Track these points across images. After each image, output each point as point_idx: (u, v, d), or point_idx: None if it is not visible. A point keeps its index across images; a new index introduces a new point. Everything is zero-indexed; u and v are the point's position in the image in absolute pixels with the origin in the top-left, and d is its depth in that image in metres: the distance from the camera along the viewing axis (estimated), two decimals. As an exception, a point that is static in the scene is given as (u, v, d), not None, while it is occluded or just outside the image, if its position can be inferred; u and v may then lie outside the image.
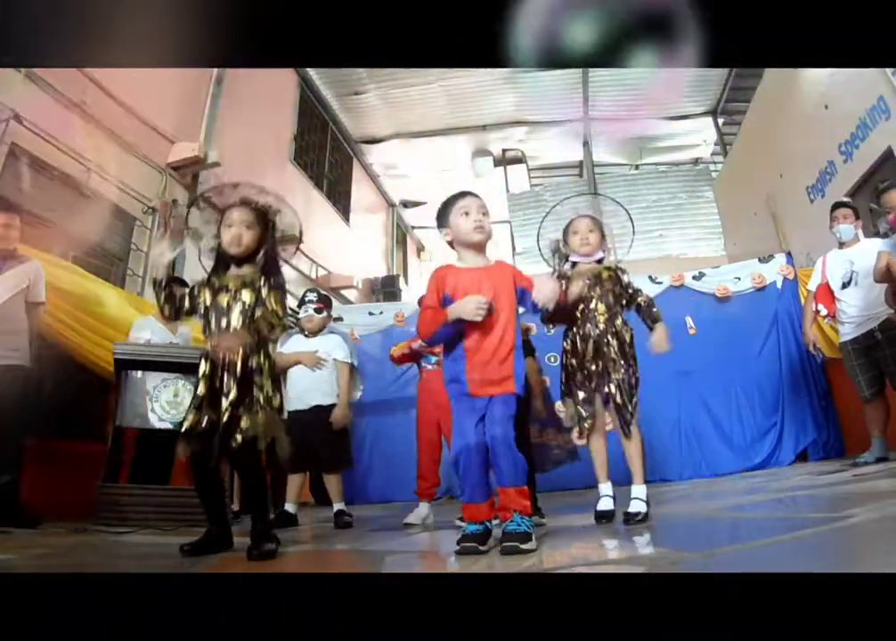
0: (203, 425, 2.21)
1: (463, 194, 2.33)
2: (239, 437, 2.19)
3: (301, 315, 4.04)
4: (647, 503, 2.55)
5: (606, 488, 2.73)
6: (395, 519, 3.70)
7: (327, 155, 10.33)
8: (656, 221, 10.81)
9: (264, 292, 2.36)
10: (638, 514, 2.49)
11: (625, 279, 2.87)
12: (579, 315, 2.79)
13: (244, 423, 2.21)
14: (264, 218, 2.46)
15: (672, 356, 5.45)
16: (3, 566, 2.03)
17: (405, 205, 13.63)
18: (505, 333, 2.16)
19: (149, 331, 4.26)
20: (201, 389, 2.27)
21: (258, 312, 2.34)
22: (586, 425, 2.71)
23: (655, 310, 2.83)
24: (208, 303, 2.36)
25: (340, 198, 10.68)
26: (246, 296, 2.35)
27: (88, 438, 4.53)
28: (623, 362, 2.69)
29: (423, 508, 3.52)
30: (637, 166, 12.07)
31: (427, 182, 12.41)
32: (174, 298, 2.39)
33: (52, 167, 4.83)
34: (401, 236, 13.94)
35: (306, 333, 4.02)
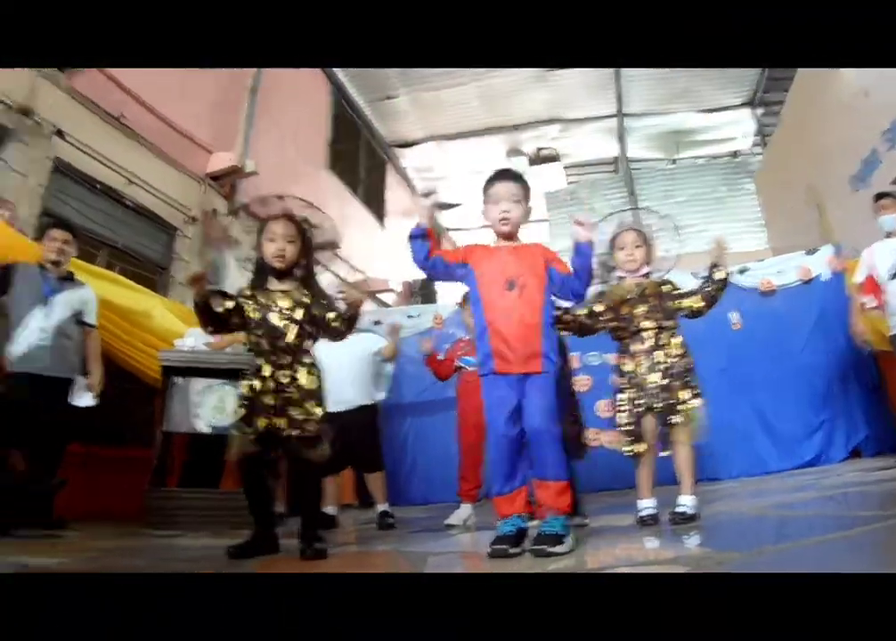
0: (260, 430, 2.27)
1: (496, 178, 2.31)
2: (320, 448, 2.34)
3: None
4: (696, 510, 2.49)
5: (647, 502, 2.64)
6: (437, 520, 3.71)
7: (361, 160, 10.42)
8: (697, 215, 10.61)
9: (316, 310, 2.44)
10: (684, 513, 2.45)
11: (673, 289, 2.78)
12: (626, 334, 2.75)
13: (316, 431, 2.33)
14: (303, 231, 2.49)
15: (717, 353, 5.44)
16: (57, 568, 2.09)
17: (440, 207, 13.66)
18: (529, 310, 2.15)
19: (193, 338, 4.35)
20: (251, 395, 2.31)
21: (329, 318, 2.44)
22: (637, 449, 2.65)
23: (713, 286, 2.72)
24: (257, 318, 2.38)
25: (375, 203, 10.76)
26: (299, 314, 2.40)
27: (135, 443, 4.66)
28: (676, 380, 2.62)
29: (465, 510, 3.52)
30: (674, 161, 11.87)
31: (462, 184, 12.41)
32: (215, 315, 2.38)
33: (94, 180, 4.98)
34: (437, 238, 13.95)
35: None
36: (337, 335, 2.50)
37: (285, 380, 2.33)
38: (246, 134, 6.74)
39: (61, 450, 3.56)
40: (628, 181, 11.25)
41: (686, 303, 2.73)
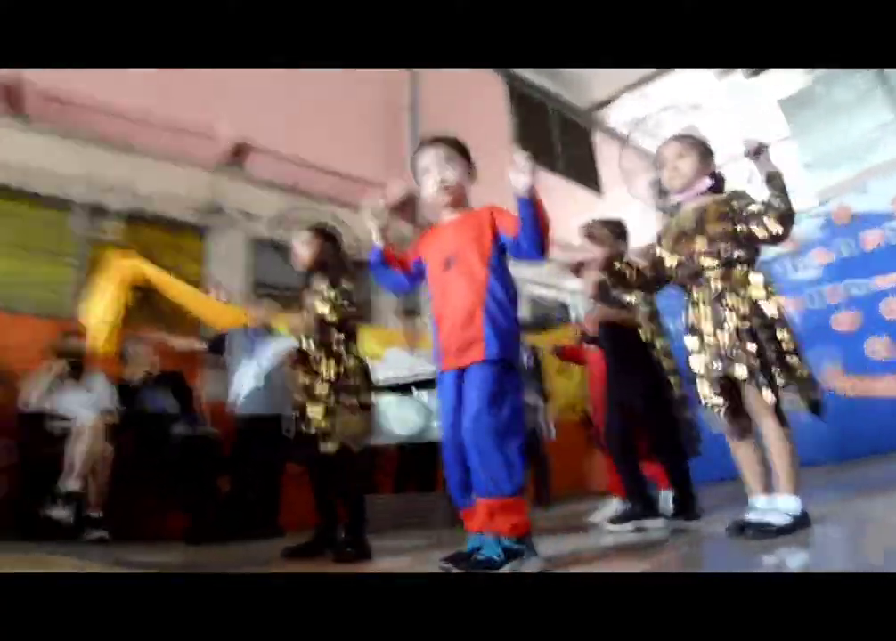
0: (303, 433, 2.53)
1: (419, 148, 2.09)
2: (329, 444, 2.46)
3: None
4: (802, 516, 1.88)
5: (759, 502, 2.03)
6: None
7: (555, 137, 10.10)
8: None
9: (330, 294, 2.61)
10: (768, 525, 1.85)
11: (741, 204, 2.08)
12: (686, 279, 2.16)
13: (337, 427, 2.48)
14: (322, 233, 2.77)
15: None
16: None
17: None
18: (467, 288, 1.86)
19: (387, 359, 4.92)
20: (298, 398, 2.60)
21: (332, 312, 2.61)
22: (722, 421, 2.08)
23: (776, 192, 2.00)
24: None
25: (584, 174, 10.31)
26: (319, 307, 2.62)
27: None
28: (751, 330, 1.97)
29: (613, 505, 3.22)
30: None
31: (686, 120, 11.34)
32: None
33: (288, 246, 5.78)
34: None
35: None
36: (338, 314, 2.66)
37: (314, 371, 2.57)
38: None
39: (280, 472, 4.25)
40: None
41: (757, 229, 2.00)
